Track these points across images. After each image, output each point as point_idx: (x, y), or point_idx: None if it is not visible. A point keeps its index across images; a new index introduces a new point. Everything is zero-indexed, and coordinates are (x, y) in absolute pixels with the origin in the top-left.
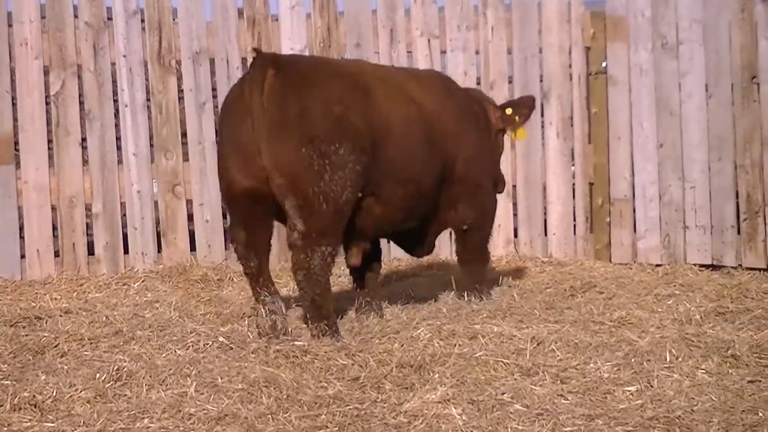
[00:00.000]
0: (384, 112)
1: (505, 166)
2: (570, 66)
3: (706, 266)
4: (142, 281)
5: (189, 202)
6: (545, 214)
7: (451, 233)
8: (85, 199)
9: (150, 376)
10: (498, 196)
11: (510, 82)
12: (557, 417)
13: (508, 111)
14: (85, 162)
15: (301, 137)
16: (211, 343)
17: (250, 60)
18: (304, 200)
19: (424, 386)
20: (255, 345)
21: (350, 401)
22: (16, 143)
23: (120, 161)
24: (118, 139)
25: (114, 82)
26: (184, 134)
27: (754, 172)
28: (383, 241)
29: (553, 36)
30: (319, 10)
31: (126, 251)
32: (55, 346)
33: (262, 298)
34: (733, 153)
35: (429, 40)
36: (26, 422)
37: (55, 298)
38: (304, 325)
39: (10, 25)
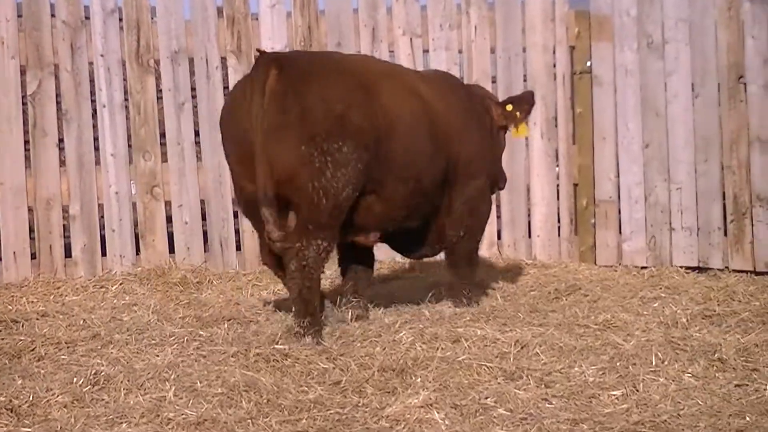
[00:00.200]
0: (387, 110)
1: None
2: (554, 66)
3: (693, 268)
4: (120, 284)
5: (168, 204)
6: (529, 215)
7: None
8: (62, 201)
9: (128, 381)
10: None
11: (493, 81)
12: (541, 422)
13: (509, 107)
14: (62, 163)
15: (301, 136)
16: (190, 346)
17: (229, 59)
18: (304, 195)
19: (407, 390)
20: (235, 349)
21: (331, 406)
22: None
23: (98, 162)
24: (95, 139)
25: (92, 81)
26: (162, 135)
27: (741, 173)
28: None
29: (537, 35)
30: (300, 9)
31: (104, 253)
32: (32, 350)
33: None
34: (720, 154)
35: (411, 39)
36: (2, 427)
37: (32, 301)
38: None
39: None
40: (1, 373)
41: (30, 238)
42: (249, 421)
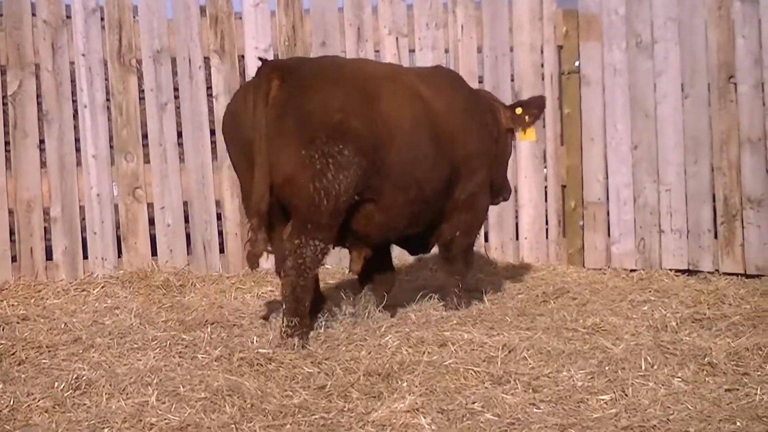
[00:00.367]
0: (387, 119)
1: None
2: (542, 65)
3: (682, 271)
4: (102, 287)
5: (150, 206)
6: (516, 217)
7: None
8: (43, 203)
9: (110, 385)
10: None
11: (480, 81)
12: (529, 427)
13: (518, 110)
14: (43, 164)
15: (301, 139)
16: (172, 350)
17: (212, 59)
18: (305, 195)
19: (392, 395)
20: (218, 353)
21: (316, 411)
22: None
23: (79, 163)
24: (77, 140)
25: (73, 81)
26: (145, 135)
27: (732, 175)
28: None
29: (525, 34)
30: (284, 8)
31: (85, 256)
32: (12, 354)
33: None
34: (710, 155)
35: (397, 39)
36: None
37: (12, 305)
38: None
39: None
40: None
41: (10, 240)
42: (232, 426)
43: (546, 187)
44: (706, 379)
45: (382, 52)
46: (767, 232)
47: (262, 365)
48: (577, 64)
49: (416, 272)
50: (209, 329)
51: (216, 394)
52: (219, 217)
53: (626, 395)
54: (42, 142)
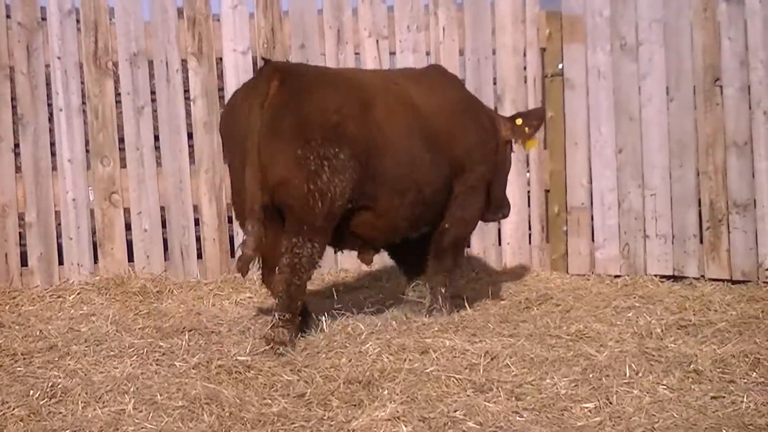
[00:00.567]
0: (383, 130)
1: None
2: (525, 68)
3: (667, 277)
4: (78, 293)
5: (127, 211)
6: (499, 222)
7: None
8: (18, 208)
9: (86, 393)
10: None
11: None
12: None
13: (518, 121)
14: (17, 169)
15: (297, 140)
16: (150, 358)
17: (190, 62)
18: (299, 196)
19: (373, 403)
20: (196, 360)
21: (296, 419)
22: None
23: (54, 168)
24: (52, 144)
25: (48, 85)
26: (121, 139)
27: (717, 179)
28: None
29: (507, 37)
30: (263, 10)
31: (61, 262)
32: None
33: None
34: (696, 159)
35: (377, 41)
36: None
37: None
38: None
39: None
40: None
41: None
42: None
43: (529, 191)
44: (692, 386)
45: (362, 54)
46: (754, 238)
47: (240, 373)
48: (560, 66)
49: (398, 278)
50: (187, 336)
51: (194, 403)
52: (197, 222)
53: (610, 403)
54: (17, 146)
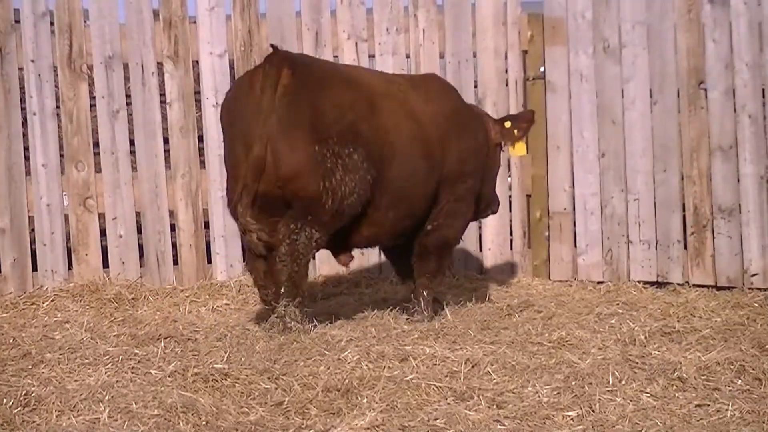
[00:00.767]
0: (387, 130)
1: None
2: (506, 71)
3: (651, 283)
4: (52, 300)
5: (102, 216)
6: (480, 228)
7: None
8: None
9: (60, 402)
10: None
11: None
12: None
13: (507, 124)
14: None
15: (313, 136)
16: (125, 366)
17: (166, 65)
18: (312, 191)
19: (352, 411)
20: (172, 368)
21: (273, 428)
22: None
23: (28, 173)
24: (26, 149)
25: (22, 88)
26: (96, 144)
27: (702, 183)
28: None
29: (488, 39)
30: (240, 12)
31: (35, 268)
32: None
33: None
34: (680, 163)
35: (356, 44)
36: None
37: None
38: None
39: None
40: None
41: None
42: None
43: (510, 196)
44: (676, 394)
45: (341, 57)
46: (739, 243)
47: (217, 381)
48: (542, 69)
49: (377, 284)
50: (163, 344)
51: (170, 411)
52: (173, 228)
53: (593, 411)
54: None
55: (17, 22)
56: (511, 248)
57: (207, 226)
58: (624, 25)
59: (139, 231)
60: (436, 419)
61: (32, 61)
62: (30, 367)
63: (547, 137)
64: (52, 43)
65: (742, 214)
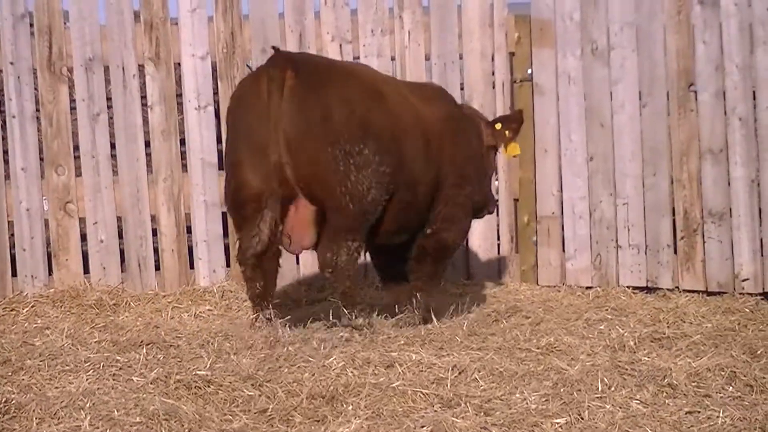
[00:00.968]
0: (396, 119)
1: None
2: (493, 73)
3: (641, 288)
4: (32, 306)
5: (82, 221)
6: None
7: None
8: None
9: (41, 409)
10: None
11: None
12: None
13: (498, 126)
14: None
15: (326, 137)
16: (106, 372)
17: (147, 67)
18: (331, 199)
19: (337, 419)
20: (154, 375)
21: None
22: None
23: (7, 177)
24: (5, 152)
25: (0, 91)
26: (76, 147)
27: (692, 187)
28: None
29: (475, 41)
30: (222, 14)
31: (14, 274)
32: None
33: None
34: (669, 166)
35: (341, 46)
36: None
37: None
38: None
39: None
40: None
41: None
42: None
43: (497, 200)
44: (666, 401)
45: None
46: (729, 248)
47: (200, 388)
48: (529, 71)
49: (362, 290)
50: (144, 350)
51: (152, 419)
52: (154, 232)
53: (582, 418)
54: None
55: None
56: (499, 253)
57: (189, 230)
58: (612, 26)
59: (121, 236)
60: (422, 427)
61: (11, 63)
62: (10, 374)
63: (535, 140)
64: (31, 45)
65: (732, 218)
